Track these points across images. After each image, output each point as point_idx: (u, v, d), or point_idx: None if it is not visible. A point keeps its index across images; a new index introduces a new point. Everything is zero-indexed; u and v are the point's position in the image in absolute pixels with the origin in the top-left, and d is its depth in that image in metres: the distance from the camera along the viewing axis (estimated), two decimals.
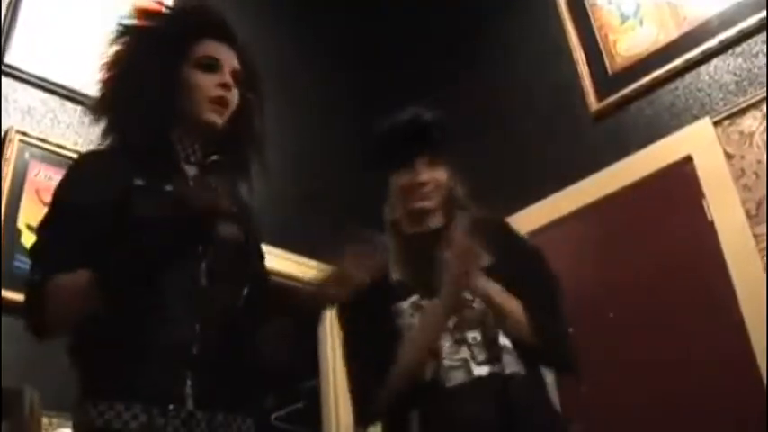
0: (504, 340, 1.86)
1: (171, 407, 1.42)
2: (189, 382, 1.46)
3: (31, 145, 3.05)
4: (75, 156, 3.12)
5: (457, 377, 1.81)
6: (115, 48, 1.74)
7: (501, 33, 4.10)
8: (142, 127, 1.63)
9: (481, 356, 1.83)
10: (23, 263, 2.82)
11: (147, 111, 1.64)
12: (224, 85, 1.68)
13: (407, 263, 1.97)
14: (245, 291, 1.69)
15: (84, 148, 3.19)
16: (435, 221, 2.02)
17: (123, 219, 1.50)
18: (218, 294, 1.57)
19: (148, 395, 1.41)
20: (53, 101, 3.24)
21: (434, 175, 2.00)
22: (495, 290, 1.86)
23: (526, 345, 1.84)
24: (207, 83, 1.67)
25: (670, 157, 3.14)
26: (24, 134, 3.04)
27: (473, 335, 1.86)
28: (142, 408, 1.40)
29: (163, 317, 1.48)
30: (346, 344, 2.02)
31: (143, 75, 1.65)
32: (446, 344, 1.85)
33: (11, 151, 2.97)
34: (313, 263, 3.82)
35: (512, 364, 1.82)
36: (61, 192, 1.61)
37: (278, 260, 3.62)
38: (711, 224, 2.92)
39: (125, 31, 1.75)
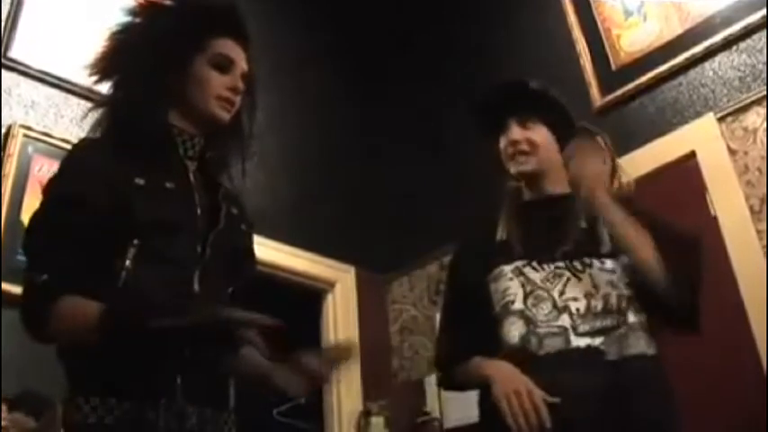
0: (632, 318, 1.84)
1: (162, 401, 1.42)
2: (179, 379, 1.46)
3: (35, 139, 3.06)
4: None
5: (553, 344, 1.80)
6: (130, 19, 1.73)
7: (505, 28, 4.09)
8: (143, 107, 1.62)
9: (583, 327, 1.81)
10: None
11: (150, 91, 1.63)
12: (234, 89, 1.70)
13: (517, 226, 1.99)
14: (231, 289, 1.69)
15: None
16: (554, 187, 2.04)
17: (124, 219, 1.50)
18: (209, 297, 1.57)
19: (140, 391, 1.42)
20: (57, 95, 3.25)
21: (527, 135, 2.04)
22: (621, 217, 1.86)
23: (648, 288, 1.82)
24: (218, 82, 1.68)
25: (673, 152, 3.13)
26: (28, 129, 3.05)
27: (577, 305, 1.84)
28: (134, 403, 1.40)
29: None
30: (444, 307, 2.14)
31: (156, 53, 1.65)
32: (544, 310, 1.84)
33: (14, 146, 2.97)
34: (309, 255, 3.86)
35: (635, 343, 1.80)
36: (58, 184, 1.58)
37: (275, 252, 3.63)
38: (715, 220, 2.91)
39: (146, 7, 1.74)
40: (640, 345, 1.82)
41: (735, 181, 2.90)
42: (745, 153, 2.92)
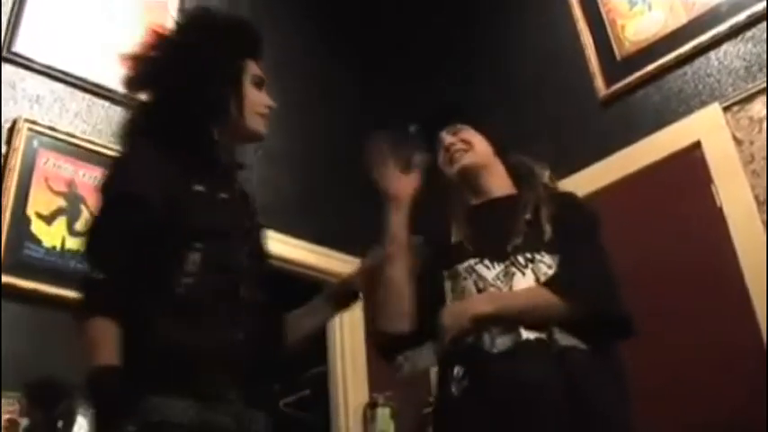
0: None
1: (220, 403, 1.52)
2: (233, 383, 1.56)
3: (40, 133, 3.06)
4: (83, 144, 3.15)
5: (504, 342, 1.82)
6: (174, 36, 1.85)
7: (509, 19, 4.08)
8: (199, 120, 1.73)
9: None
10: (33, 251, 2.84)
11: (204, 108, 1.74)
12: (270, 106, 1.88)
13: (467, 229, 2.05)
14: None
15: (93, 136, 3.21)
16: (496, 189, 2.12)
17: (185, 223, 1.59)
18: (253, 300, 1.67)
19: (200, 393, 1.50)
20: (61, 89, 3.24)
21: (460, 136, 2.15)
22: (503, 303, 1.88)
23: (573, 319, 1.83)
24: (260, 99, 1.86)
25: (679, 142, 3.12)
26: (33, 122, 3.05)
27: None
28: (195, 403, 1.48)
29: (212, 325, 1.57)
30: None
31: (210, 70, 1.76)
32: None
33: (19, 140, 2.97)
34: (316, 247, 3.86)
35: (565, 338, 1.81)
36: (119, 184, 1.66)
37: (281, 245, 3.63)
38: (720, 210, 2.90)
39: (191, 25, 1.88)
40: (572, 339, 1.83)
41: (740, 171, 2.89)
42: (751, 143, 2.91)
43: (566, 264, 1.90)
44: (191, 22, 1.88)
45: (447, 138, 2.16)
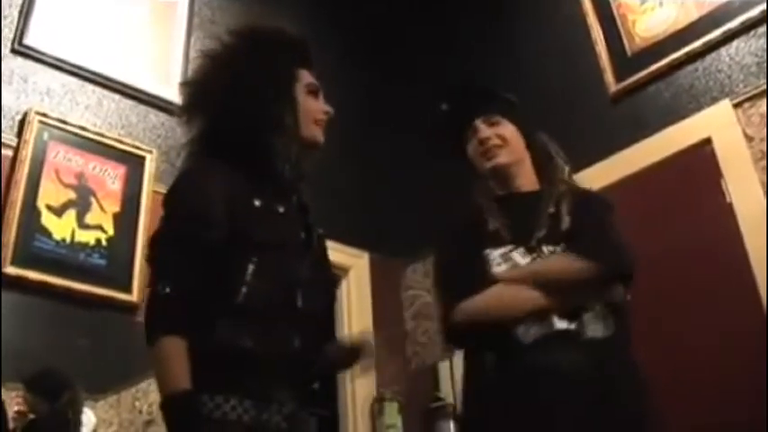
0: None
1: (275, 405, 1.58)
2: (287, 386, 1.63)
3: (51, 126, 3.07)
4: (93, 137, 3.16)
5: (536, 332, 1.87)
6: (223, 55, 1.88)
7: (519, 14, 4.08)
8: (258, 133, 1.77)
9: (562, 311, 1.89)
10: (44, 243, 2.86)
11: (263, 118, 1.77)
12: (327, 113, 1.92)
13: (501, 218, 2.07)
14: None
15: (104, 129, 3.23)
16: (524, 185, 2.15)
17: (244, 237, 1.65)
18: (311, 310, 1.73)
19: (258, 394, 1.57)
20: (72, 82, 3.26)
21: (497, 131, 2.15)
22: (527, 273, 1.94)
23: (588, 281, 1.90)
24: (316, 107, 1.89)
25: (689, 139, 3.11)
26: (44, 115, 3.06)
27: None
28: (252, 404, 1.55)
29: (271, 333, 1.64)
30: (438, 273, 2.21)
31: (265, 82, 1.80)
32: None
33: (30, 133, 2.99)
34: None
35: (596, 329, 1.87)
36: (183, 200, 1.71)
37: None
38: (730, 206, 2.90)
39: (239, 43, 1.89)
40: (602, 329, 1.90)
41: (751, 167, 2.88)
42: (762, 139, 2.90)
43: (584, 235, 1.96)
44: (238, 40, 1.90)
45: (483, 130, 2.15)
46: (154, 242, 1.68)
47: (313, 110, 1.88)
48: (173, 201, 1.73)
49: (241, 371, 1.57)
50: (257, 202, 1.70)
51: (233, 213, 1.66)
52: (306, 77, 1.90)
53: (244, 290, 1.61)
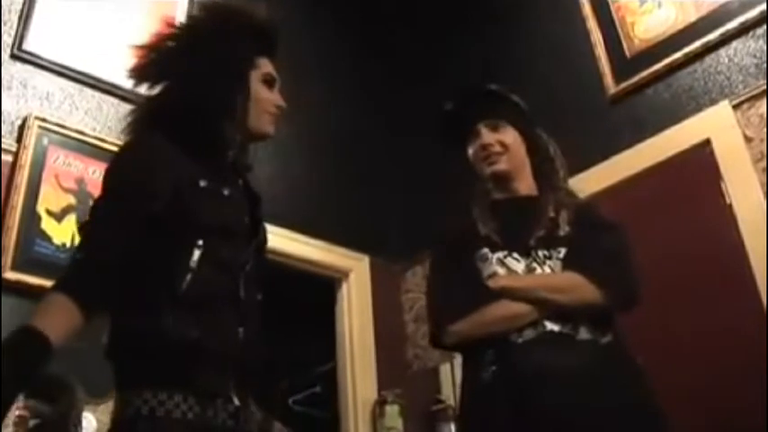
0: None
1: (220, 401, 1.52)
2: (232, 381, 1.56)
3: (50, 131, 3.07)
4: (93, 141, 3.16)
5: (529, 333, 1.91)
6: (186, 28, 1.83)
7: (518, 16, 4.08)
8: (208, 116, 1.70)
9: (555, 315, 1.92)
10: (44, 248, 2.86)
11: (214, 102, 1.70)
12: (281, 107, 1.83)
13: (492, 222, 2.09)
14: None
15: (103, 133, 3.23)
16: (522, 189, 2.16)
17: (189, 218, 1.57)
18: (252, 301, 1.67)
19: (201, 390, 1.50)
20: (71, 87, 3.26)
21: (498, 137, 2.16)
22: (532, 284, 1.96)
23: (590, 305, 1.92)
24: (268, 98, 1.80)
25: (688, 140, 3.11)
26: (43, 120, 3.06)
27: None
28: (197, 400, 1.48)
29: (217, 324, 1.56)
30: (432, 277, 2.22)
31: (220, 66, 1.73)
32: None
33: (30, 137, 2.99)
34: (324, 244, 3.86)
35: (589, 332, 1.90)
36: (123, 172, 1.63)
37: (289, 241, 3.64)
38: (730, 207, 2.90)
39: (205, 18, 1.82)
40: (596, 333, 1.93)
41: (750, 169, 2.88)
42: (761, 140, 2.90)
43: (595, 253, 1.98)
44: (205, 15, 1.83)
45: (485, 135, 2.17)
46: (91, 211, 1.59)
47: (265, 100, 1.79)
48: (112, 173, 1.64)
49: (186, 363, 1.49)
50: (203, 183, 1.62)
51: (178, 190, 1.57)
52: (265, 66, 1.82)
53: (189, 277, 1.53)
